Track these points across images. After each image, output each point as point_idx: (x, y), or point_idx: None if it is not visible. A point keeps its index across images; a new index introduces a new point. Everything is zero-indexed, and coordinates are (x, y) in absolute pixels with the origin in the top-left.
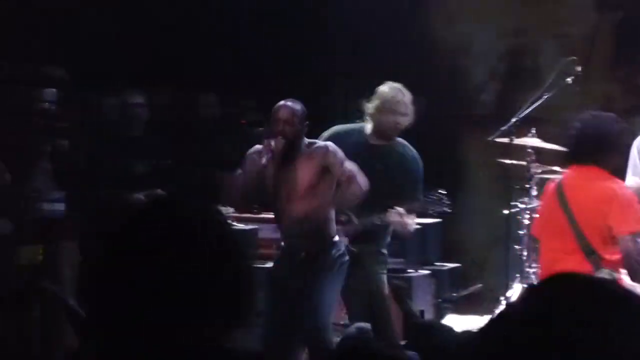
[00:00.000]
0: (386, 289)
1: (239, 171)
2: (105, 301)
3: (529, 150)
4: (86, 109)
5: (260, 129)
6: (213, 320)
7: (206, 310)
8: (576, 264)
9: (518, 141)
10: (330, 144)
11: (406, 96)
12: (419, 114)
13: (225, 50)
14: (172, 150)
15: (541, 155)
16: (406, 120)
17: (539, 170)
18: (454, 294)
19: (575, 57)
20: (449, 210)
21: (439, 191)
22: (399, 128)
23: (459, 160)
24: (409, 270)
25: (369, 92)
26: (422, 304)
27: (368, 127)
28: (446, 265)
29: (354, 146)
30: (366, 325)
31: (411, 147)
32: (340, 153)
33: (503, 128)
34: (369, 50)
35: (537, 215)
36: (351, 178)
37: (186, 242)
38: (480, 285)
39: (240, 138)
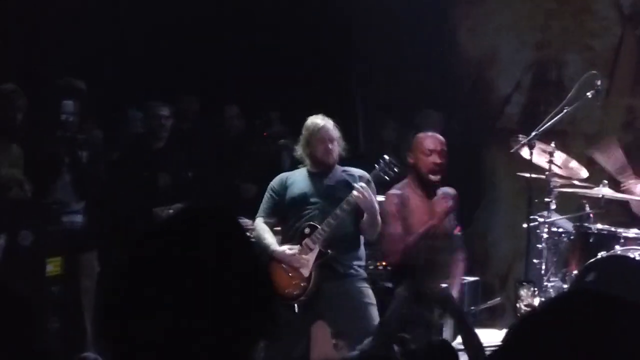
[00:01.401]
0: (367, 299)
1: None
2: (132, 312)
3: (549, 163)
4: (109, 120)
5: (282, 140)
6: (238, 335)
7: (232, 324)
8: None
9: (537, 154)
10: None
11: (329, 123)
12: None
13: (248, 62)
14: (196, 162)
15: (561, 169)
16: (335, 145)
17: (559, 184)
18: (473, 308)
19: (596, 72)
20: (397, 171)
21: (384, 156)
22: (331, 153)
23: (483, 173)
24: None
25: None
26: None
27: (307, 162)
28: (466, 279)
29: (299, 182)
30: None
31: (356, 169)
32: None
33: (524, 140)
34: (393, 64)
35: None
36: None
37: (211, 257)
38: (499, 298)
39: (263, 150)
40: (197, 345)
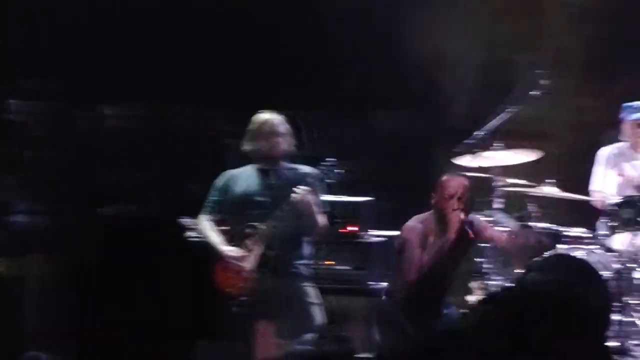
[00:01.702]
0: (311, 298)
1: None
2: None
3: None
4: (57, 121)
5: (228, 139)
6: (177, 333)
7: (171, 324)
8: None
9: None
10: None
11: (278, 118)
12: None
13: (197, 62)
14: (141, 162)
15: (505, 169)
16: (284, 140)
17: (503, 183)
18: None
19: (543, 71)
20: (342, 172)
21: (327, 159)
22: (277, 147)
23: (430, 172)
24: (370, 283)
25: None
26: None
27: (253, 157)
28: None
29: (243, 181)
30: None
31: (303, 166)
32: None
33: (470, 140)
34: (339, 63)
35: None
36: None
37: (149, 255)
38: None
39: (208, 149)
40: (132, 342)
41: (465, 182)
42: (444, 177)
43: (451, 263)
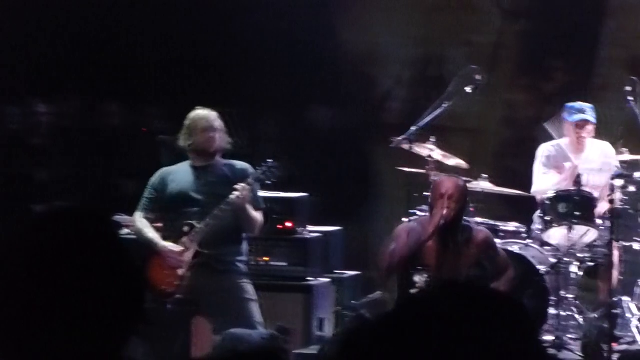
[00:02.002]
0: (247, 295)
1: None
2: None
3: (429, 158)
4: None
5: (161, 136)
6: (107, 330)
7: (100, 321)
8: None
9: (417, 149)
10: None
11: (211, 114)
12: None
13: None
14: (74, 158)
15: (440, 164)
16: (220, 137)
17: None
18: (354, 302)
19: (476, 66)
20: (279, 175)
21: (267, 160)
22: (213, 142)
23: (364, 168)
24: (309, 279)
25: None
26: (323, 312)
27: (188, 154)
28: (347, 273)
29: (179, 178)
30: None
31: (238, 162)
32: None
33: (404, 136)
34: (274, 59)
35: None
36: None
37: (76, 254)
38: (379, 292)
39: (142, 145)
40: (59, 341)
41: (460, 183)
42: (437, 179)
43: (432, 259)
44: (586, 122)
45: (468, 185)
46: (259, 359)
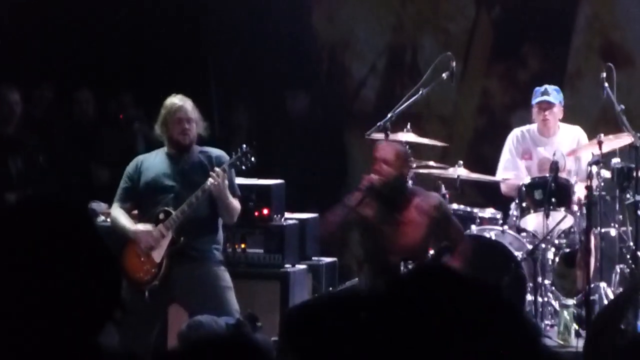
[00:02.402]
0: (223, 282)
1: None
2: None
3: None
4: None
5: (137, 123)
6: (82, 317)
7: (75, 308)
8: None
9: (393, 137)
10: None
11: (187, 102)
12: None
13: (101, 46)
14: (48, 147)
15: (416, 151)
16: (193, 126)
17: (414, 165)
18: (331, 289)
19: (450, 53)
20: (253, 161)
21: (242, 145)
22: (188, 134)
23: (339, 156)
24: (286, 266)
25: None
26: (299, 299)
27: (164, 143)
28: (323, 260)
29: (154, 165)
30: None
31: (214, 149)
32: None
33: (379, 124)
34: (248, 48)
35: None
36: None
37: (50, 243)
38: (357, 279)
39: (118, 133)
40: (31, 329)
41: (399, 148)
42: (379, 142)
43: (372, 222)
44: (548, 103)
45: (445, 172)
46: (222, 347)
